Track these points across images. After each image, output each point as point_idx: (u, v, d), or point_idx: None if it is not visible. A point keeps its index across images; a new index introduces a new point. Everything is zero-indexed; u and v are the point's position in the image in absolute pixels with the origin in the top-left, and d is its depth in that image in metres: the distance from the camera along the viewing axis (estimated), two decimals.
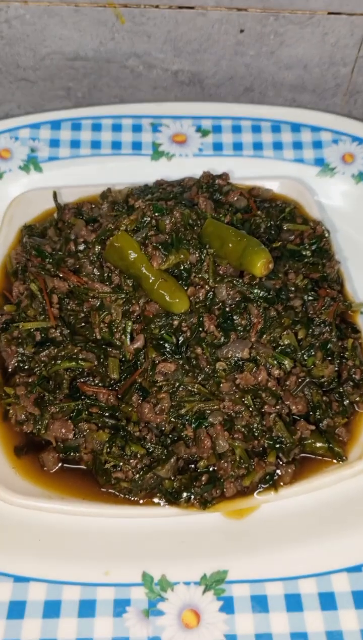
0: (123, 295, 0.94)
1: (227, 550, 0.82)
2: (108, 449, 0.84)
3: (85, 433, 0.87)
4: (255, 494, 0.85)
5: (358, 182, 1.20)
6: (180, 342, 0.90)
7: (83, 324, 0.96)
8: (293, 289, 0.97)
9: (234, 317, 0.91)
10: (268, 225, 1.05)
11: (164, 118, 1.25)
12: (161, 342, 0.90)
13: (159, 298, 0.90)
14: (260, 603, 0.77)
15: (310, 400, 0.90)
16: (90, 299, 0.95)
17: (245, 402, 0.87)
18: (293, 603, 0.77)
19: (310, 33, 1.23)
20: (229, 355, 0.89)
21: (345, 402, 0.92)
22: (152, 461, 0.85)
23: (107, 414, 0.88)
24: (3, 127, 1.23)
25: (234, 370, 0.89)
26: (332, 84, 1.33)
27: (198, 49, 1.27)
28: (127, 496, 0.85)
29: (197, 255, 0.93)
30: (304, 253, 1.04)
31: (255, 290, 0.92)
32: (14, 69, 1.31)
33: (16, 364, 0.94)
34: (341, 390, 0.93)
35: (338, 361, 0.94)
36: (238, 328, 0.90)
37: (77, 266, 0.99)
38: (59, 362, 0.91)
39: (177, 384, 0.88)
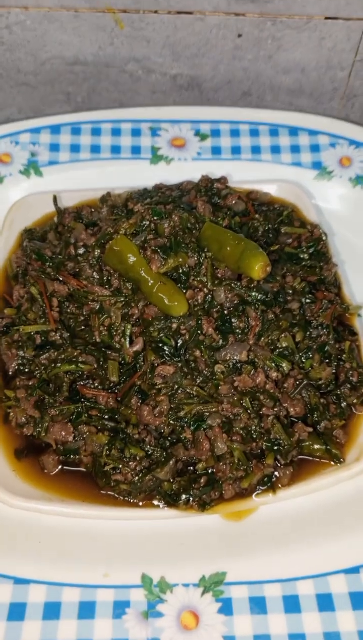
0: (122, 299, 0.94)
1: (225, 552, 0.82)
2: (107, 452, 0.85)
3: (84, 435, 0.87)
4: (253, 495, 0.86)
5: (356, 186, 1.21)
6: (178, 344, 0.91)
7: (83, 327, 0.96)
8: (290, 291, 0.98)
9: (232, 320, 0.91)
10: (266, 228, 1.06)
11: (163, 122, 1.26)
12: (160, 345, 0.91)
13: (158, 301, 0.91)
14: (258, 604, 0.78)
15: (308, 403, 0.91)
16: (89, 302, 0.96)
17: (244, 404, 0.88)
18: (291, 604, 0.77)
19: (308, 37, 1.24)
20: (227, 358, 0.89)
21: (342, 404, 0.92)
22: (151, 463, 0.85)
23: (106, 416, 0.89)
24: (3, 132, 1.24)
25: (232, 372, 0.89)
26: (329, 87, 1.34)
27: (197, 54, 1.28)
28: (126, 498, 0.86)
29: (196, 258, 0.93)
30: (302, 256, 1.04)
31: (253, 293, 0.92)
32: (14, 73, 1.32)
33: (16, 367, 0.95)
34: (338, 392, 0.93)
35: (335, 363, 0.94)
36: (237, 331, 0.91)
37: (77, 270, 0.99)
38: (58, 365, 0.91)
39: (176, 386, 0.89)
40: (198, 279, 0.93)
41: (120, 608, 0.78)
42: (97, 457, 0.86)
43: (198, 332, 0.91)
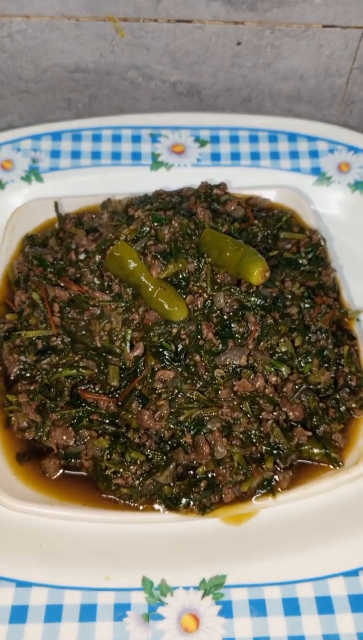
0: (123, 304, 0.95)
1: (225, 555, 0.83)
2: (108, 456, 0.85)
3: (85, 440, 0.88)
4: (253, 499, 0.86)
5: (354, 191, 1.22)
6: (179, 349, 0.91)
7: (84, 332, 0.97)
8: (289, 296, 0.98)
9: (232, 325, 0.92)
10: (265, 234, 1.06)
11: (163, 129, 1.27)
12: (160, 350, 0.91)
13: (158, 306, 0.92)
14: (258, 607, 0.78)
15: (307, 407, 0.91)
16: (90, 308, 0.97)
17: (243, 408, 0.88)
18: (291, 607, 0.78)
19: (306, 45, 1.25)
20: (227, 363, 0.90)
21: (341, 409, 0.93)
22: (151, 467, 0.86)
23: (107, 421, 0.89)
24: (5, 139, 1.25)
25: (232, 377, 0.90)
26: (327, 94, 1.35)
27: (196, 61, 1.29)
28: (127, 502, 0.86)
29: (196, 264, 0.94)
30: (300, 261, 1.05)
31: (253, 299, 0.93)
32: (16, 81, 1.33)
33: (18, 371, 0.96)
34: (337, 396, 0.94)
35: (334, 368, 0.95)
36: (236, 335, 0.92)
37: (78, 275, 1.00)
38: (60, 369, 0.92)
39: (176, 391, 0.89)
40: (198, 284, 0.94)
41: (121, 611, 0.78)
42: (98, 461, 0.87)
43: (198, 337, 0.92)
